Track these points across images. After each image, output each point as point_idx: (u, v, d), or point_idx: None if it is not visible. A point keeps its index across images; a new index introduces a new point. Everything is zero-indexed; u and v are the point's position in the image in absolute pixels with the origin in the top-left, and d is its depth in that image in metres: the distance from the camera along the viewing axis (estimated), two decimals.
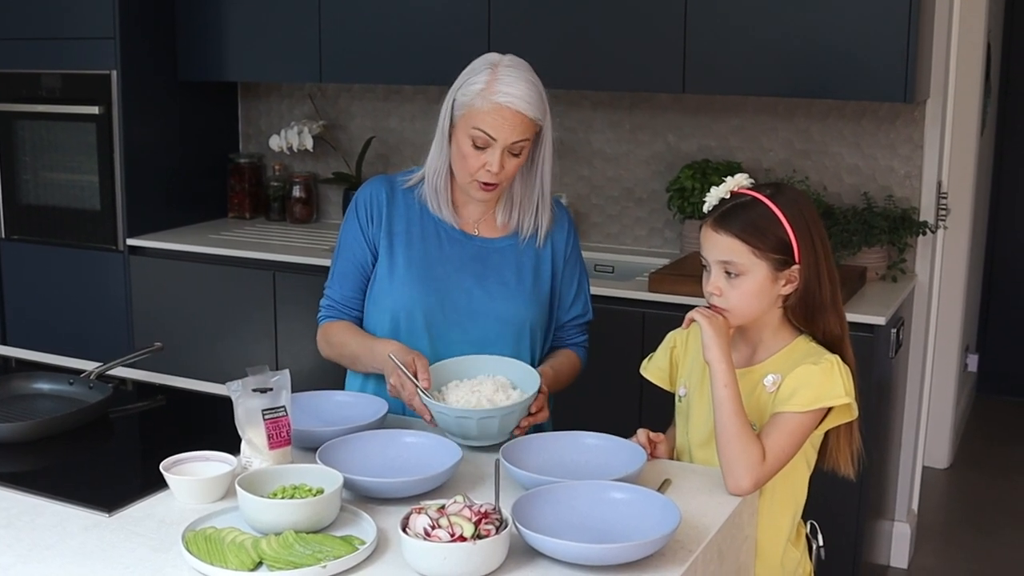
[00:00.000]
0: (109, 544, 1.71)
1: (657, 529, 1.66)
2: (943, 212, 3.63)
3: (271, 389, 1.94)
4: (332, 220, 4.47)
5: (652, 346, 2.22)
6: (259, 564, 1.62)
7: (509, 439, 2.06)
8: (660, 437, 2.09)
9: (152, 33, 4.15)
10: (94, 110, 4.07)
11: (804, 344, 2.00)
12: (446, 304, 2.27)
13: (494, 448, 2.01)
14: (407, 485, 1.83)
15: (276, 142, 4.36)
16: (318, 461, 1.88)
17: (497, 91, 2.15)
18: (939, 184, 3.61)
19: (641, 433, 2.06)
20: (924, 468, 4.00)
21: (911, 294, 3.58)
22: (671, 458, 2.12)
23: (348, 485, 1.81)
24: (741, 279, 1.93)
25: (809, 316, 1.98)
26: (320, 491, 1.76)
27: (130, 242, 4.14)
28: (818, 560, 2.11)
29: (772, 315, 1.99)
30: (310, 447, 2.00)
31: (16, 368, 2.69)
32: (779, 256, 1.92)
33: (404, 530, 1.61)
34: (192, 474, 1.89)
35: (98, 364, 2.49)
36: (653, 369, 2.18)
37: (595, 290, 3.37)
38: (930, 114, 3.56)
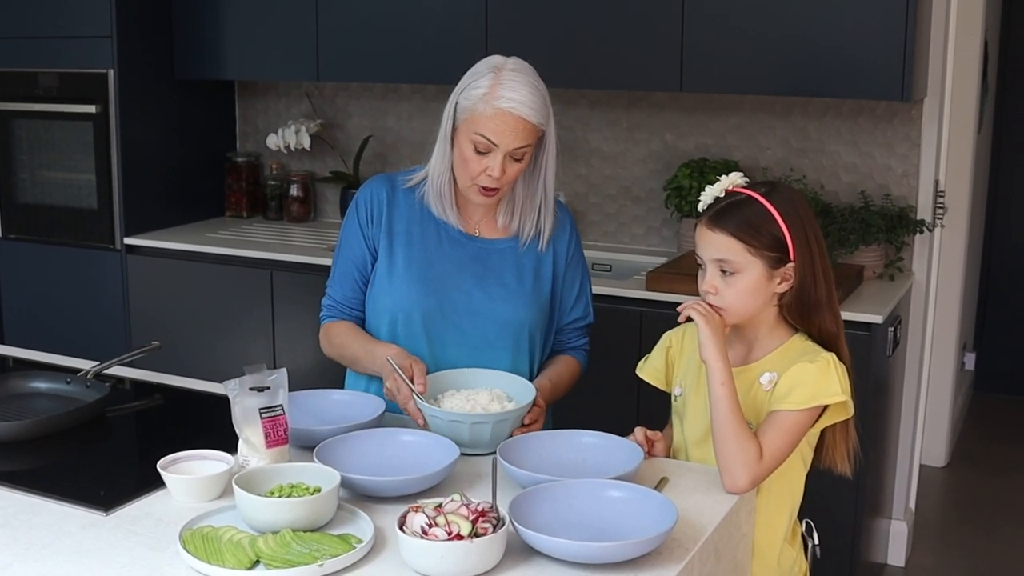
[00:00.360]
0: (106, 543, 1.71)
1: (654, 527, 1.66)
2: (940, 211, 3.63)
3: (268, 388, 1.94)
4: (329, 219, 4.47)
5: (649, 344, 2.22)
6: (256, 563, 1.62)
7: None
8: (657, 435, 2.09)
9: (149, 32, 4.14)
10: (91, 109, 4.07)
11: (800, 342, 2.00)
12: (445, 305, 2.27)
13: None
14: (404, 484, 1.83)
15: (273, 141, 4.36)
16: (315, 460, 1.88)
17: (500, 96, 2.13)
18: (936, 183, 3.61)
19: (638, 431, 2.06)
20: (921, 466, 4.00)
21: (908, 292, 3.58)
22: (668, 456, 2.12)
23: (345, 484, 1.81)
24: (736, 277, 1.94)
25: (805, 314, 1.98)
26: (317, 490, 1.76)
27: (127, 241, 4.13)
28: (814, 559, 2.11)
29: (768, 313, 1.99)
30: (307, 446, 2.00)
31: (13, 367, 2.68)
32: (774, 254, 1.92)
33: (401, 529, 1.61)
34: (189, 473, 1.89)
35: (95, 363, 2.49)
36: (649, 370, 2.18)
37: (592, 289, 3.38)
38: (927, 113, 3.56)
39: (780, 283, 1.95)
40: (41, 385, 2.43)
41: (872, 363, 3.13)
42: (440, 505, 1.64)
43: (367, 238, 2.32)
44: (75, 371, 2.47)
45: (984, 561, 3.91)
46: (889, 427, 3.60)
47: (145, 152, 4.19)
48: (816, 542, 2.10)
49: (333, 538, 1.67)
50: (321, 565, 1.58)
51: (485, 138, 2.14)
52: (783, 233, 1.92)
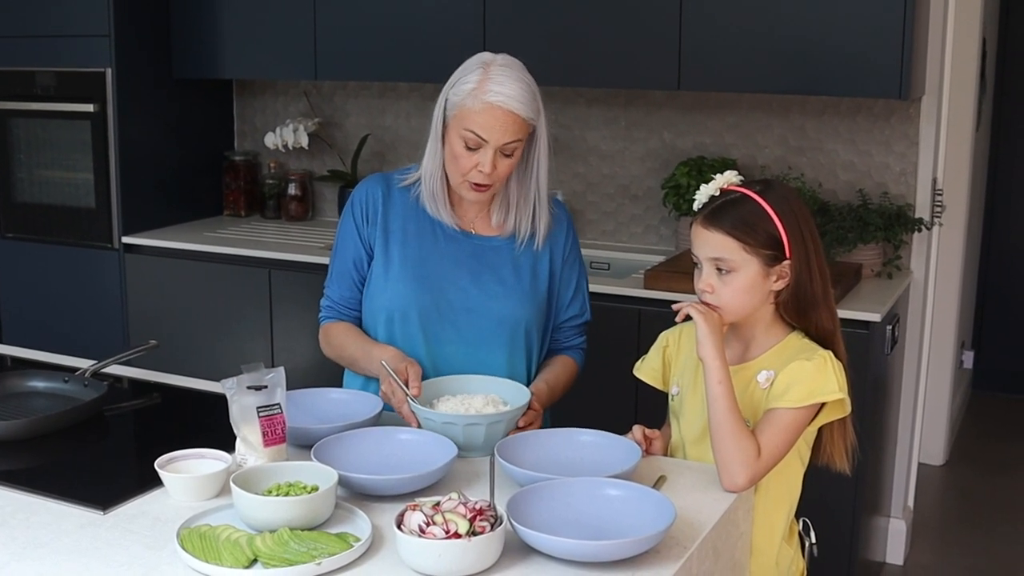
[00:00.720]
0: (104, 542, 1.71)
1: (652, 526, 1.66)
2: (938, 209, 3.63)
3: (266, 387, 1.94)
4: (327, 218, 4.47)
5: (648, 343, 2.22)
6: (254, 561, 1.61)
7: None
8: (655, 433, 2.09)
9: (147, 31, 4.14)
10: (89, 108, 4.06)
11: (797, 340, 2.00)
12: (441, 302, 2.27)
13: None
14: (402, 482, 1.83)
15: (271, 140, 4.36)
16: (313, 458, 1.88)
17: (488, 90, 2.13)
18: (934, 181, 3.61)
19: (636, 430, 2.06)
20: (920, 464, 4.00)
21: (906, 291, 3.58)
22: (666, 455, 2.12)
23: (343, 482, 1.80)
24: (732, 276, 1.94)
25: (801, 311, 1.98)
26: (315, 488, 1.76)
27: (125, 240, 4.13)
28: (811, 558, 2.11)
29: (764, 311, 1.99)
30: (305, 444, 2.00)
31: (11, 366, 2.68)
32: (770, 252, 1.92)
33: (399, 527, 1.61)
34: (187, 472, 1.89)
35: (93, 362, 2.49)
36: (646, 370, 2.18)
37: (590, 287, 3.37)
38: (925, 111, 3.56)
39: (776, 281, 1.95)
40: (39, 384, 2.43)
41: (870, 361, 3.13)
42: (438, 504, 1.64)
43: (363, 237, 2.32)
44: (73, 370, 2.47)
45: (983, 559, 3.91)
46: (887, 425, 3.60)
47: (143, 151, 4.18)
48: (813, 541, 2.10)
49: (331, 537, 1.67)
50: (319, 564, 1.58)
51: (474, 134, 2.14)
52: (778, 231, 1.92)
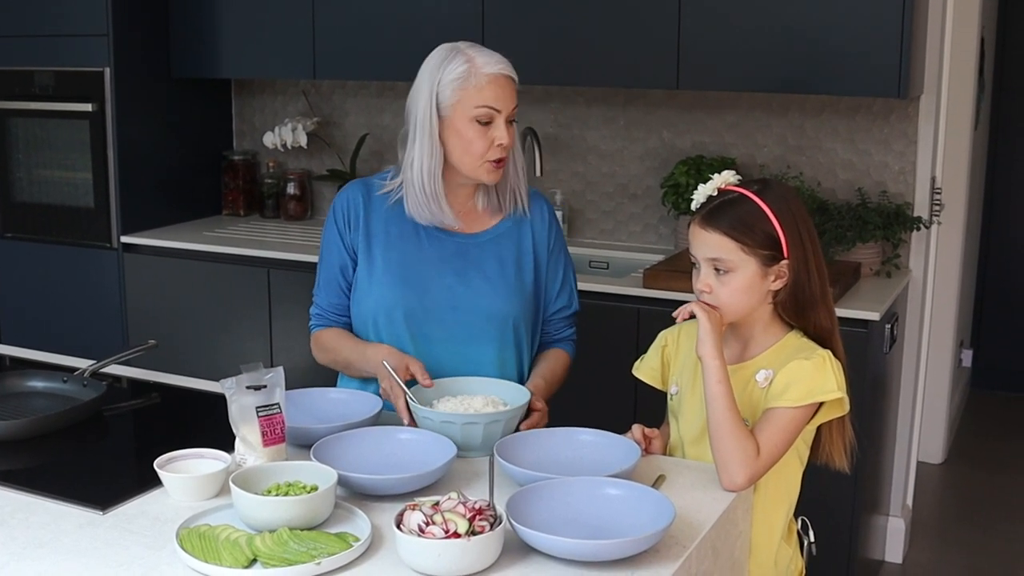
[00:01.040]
0: (103, 542, 1.71)
1: (651, 525, 1.66)
2: (937, 207, 3.63)
3: (265, 386, 1.94)
4: (326, 217, 4.46)
5: (646, 342, 2.22)
6: (253, 561, 1.61)
7: None
8: (655, 433, 2.09)
9: (145, 30, 4.14)
10: (87, 107, 4.06)
11: (795, 339, 2.00)
12: (426, 301, 2.27)
13: None
14: (401, 482, 1.83)
15: (270, 139, 4.36)
16: (312, 458, 1.88)
17: (483, 64, 2.18)
18: (933, 179, 3.61)
19: (636, 429, 2.06)
20: (919, 463, 4.00)
21: (905, 289, 3.58)
22: (665, 454, 2.12)
23: (342, 482, 1.80)
24: (730, 276, 1.94)
25: (800, 311, 1.98)
26: (314, 488, 1.76)
27: (124, 239, 4.13)
28: (809, 556, 2.11)
29: (763, 311, 1.99)
30: (304, 444, 2.00)
31: (10, 366, 2.68)
32: (768, 252, 1.92)
33: (398, 527, 1.61)
34: (186, 471, 1.89)
35: (92, 362, 2.49)
36: (645, 369, 2.18)
37: (589, 286, 3.39)
38: (924, 110, 3.56)
39: (774, 281, 1.95)
40: (38, 384, 2.43)
41: (869, 360, 3.13)
42: (437, 503, 1.64)
43: (346, 244, 2.33)
44: (72, 370, 2.47)
45: (981, 557, 3.91)
46: (886, 424, 3.60)
47: (142, 150, 4.18)
48: (812, 539, 2.10)
49: (330, 536, 1.67)
50: (318, 564, 1.58)
51: (488, 107, 2.17)
52: (776, 231, 1.92)
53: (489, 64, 2.18)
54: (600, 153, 4.01)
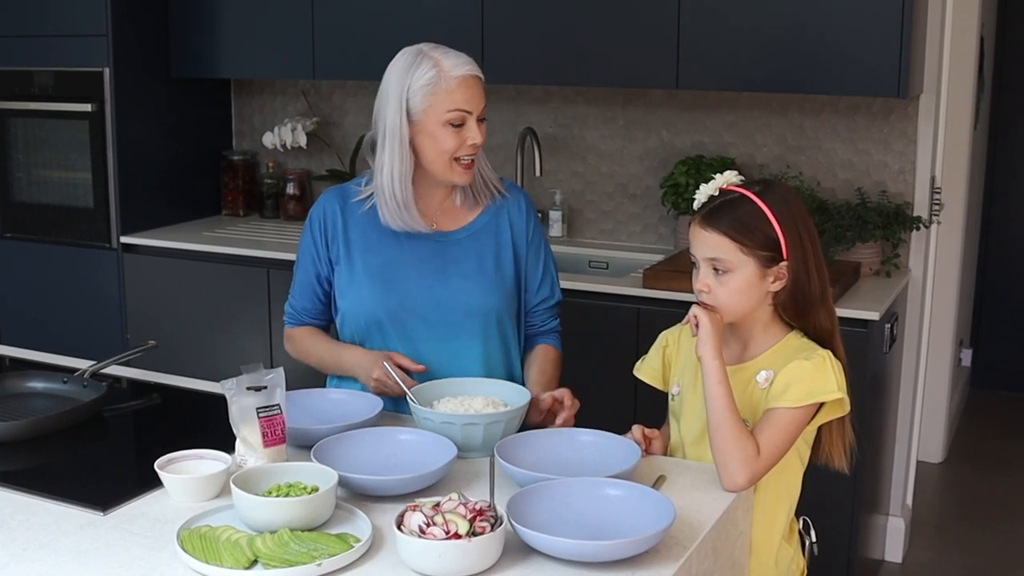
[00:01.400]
0: (104, 543, 1.71)
1: (652, 525, 1.66)
2: (937, 207, 3.63)
3: (265, 387, 1.94)
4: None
5: (646, 342, 2.22)
6: (254, 562, 1.61)
7: None
8: (655, 433, 2.09)
9: (145, 30, 4.14)
10: (87, 107, 4.06)
11: (795, 340, 2.00)
12: (408, 302, 2.29)
13: None
14: (402, 483, 1.83)
15: (270, 139, 4.36)
16: (313, 459, 1.88)
17: (451, 67, 2.20)
18: (932, 179, 3.62)
19: (636, 429, 2.06)
20: (918, 463, 4.00)
21: (905, 289, 3.58)
22: (665, 455, 2.12)
23: (343, 483, 1.80)
24: (729, 276, 1.94)
25: (799, 312, 1.98)
26: (315, 489, 1.76)
27: (124, 240, 4.13)
28: (811, 556, 2.11)
29: (763, 312, 1.99)
30: (305, 445, 2.00)
31: (10, 367, 2.68)
32: (767, 253, 1.92)
33: (399, 528, 1.61)
34: (187, 472, 1.89)
35: (92, 362, 2.49)
36: (646, 369, 2.19)
37: (589, 286, 3.39)
38: (923, 109, 3.56)
39: (773, 282, 1.95)
40: (38, 385, 2.43)
41: (869, 360, 3.13)
42: (438, 504, 1.64)
43: (321, 255, 2.36)
44: (72, 371, 2.47)
45: (981, 557, 3.91)
46: (886, 423, 3.60)
47: (141, 151, 4.18)
48: (814, 539, 2.10)
49: (331, 537, 1.67)
50: (319, 564, 1.58)
51: (460, 110, 2.19)
52: (776, 232, 1.92)
53: (457, 67, 2.20)
54: (600, 153, 4.01)
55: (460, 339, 2.30)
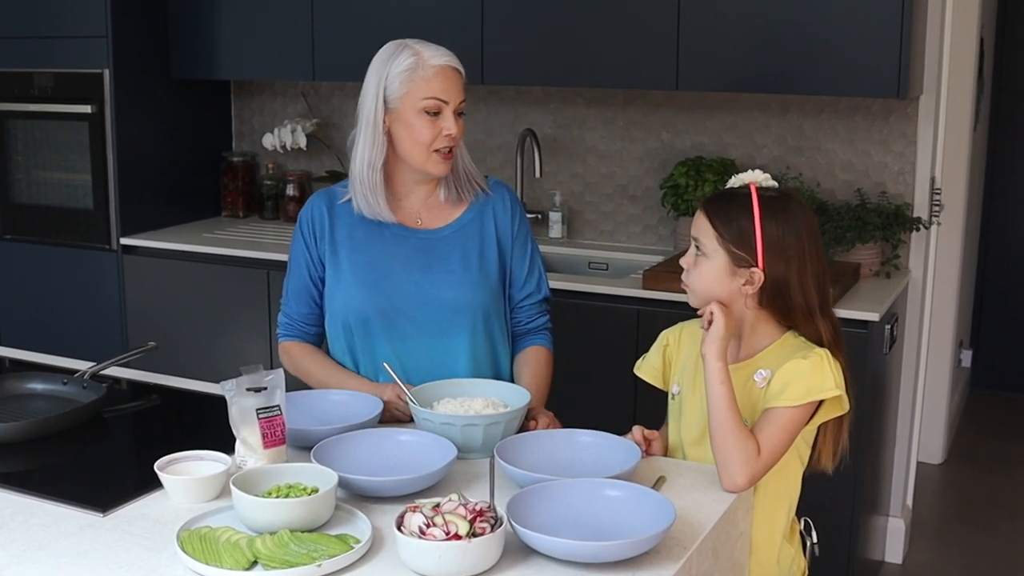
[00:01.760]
0: (104, 544, 1.71)
1: (652, 526, 1.66)
2: (936, 208, 3.64)
3: (265, 388, 1.94)
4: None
5: (646, 343, 2.22)
6: (254, 563, 1.61)
7: None
8: (655, 434, 2.09)
9: (144, 32, 4.14)
10: (87, 109, 4.06)
11: (793, 339, 2.00)
12: (395, 300, 2.30)
13: None
14: (402, 484, 1.83)
15: (269, 140, 4.36)
16: (313, 460, 1.88)
17: (431, 57, 2.23)
18: (932, 180, 3.62)
19: (636, 430, 2.06)
20: (918, 463, 4.00)
21: (905, 290, 3.58)
22: (665, 455, 2.12)
23: (343, 484, 1.80)
24: (703, 260, 1.97)
25: (791, 321, 1.98)
26: (315, 490, 1.76)
27: (123, 241, 4.13)
28: (812, 557, 2.11)
29: (747, 312, 1.99)
30: (305, 446, 2.00)
31: (10, 368, 2.68)
32: (739, 252, 1.92)
33: (399, 529, 1.61)
34: (187, 473, 1.89)
35: (92, 364, 2.49)
36: (647, 368, 2.19)
37: (589, 287, 3.40)
38: (923, 110, 3.56)
39: (744, 284, 1.94)
40: (37, 386, 2.43)
41: (869, 361, 3.13)
42: (438, 505, 1.64)
43: (312, 257, 2.37)
44: (71, 372, 2.47)
45: (981, 558, 3.91)
46: (886, 424, 3.60)
47: (141, 152, 4.18)
48: (815, 540, 2.10)
49: (331, 538, 1.67)
50: (319, 565, 1.58)
51: (435, 98, 2.21)
52: (755, 237, 1.92)
53: (436, 56, 2.23)
54: (599, 154, 4.01)
55: (448, 336, 2.31)
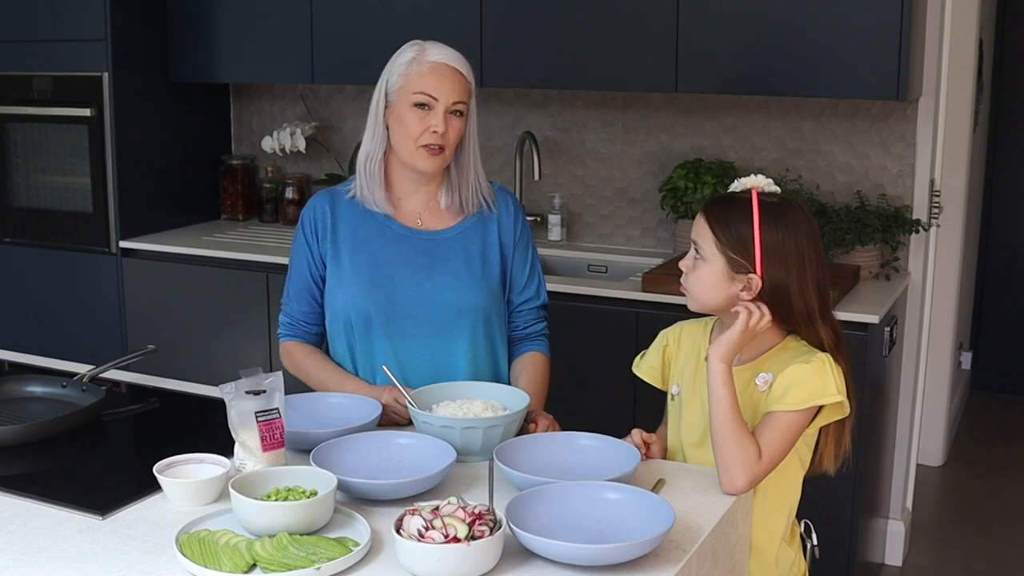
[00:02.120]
0: (103, 547, 1.71)
1: (651, 529, 1.66)
2: (936, 210, 3.64)
3: (264, 391, 1.94)
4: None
5: (646, 345, 2.22)
6: (253, 566, 1.61)
7: None
8: (653, 438, 2.09)
9: (143, 35, 4.14)
10: (86, 112, 4.06)
11: (794, 342, 2.00)
12: (396, 299, 2.30)
13: None
14: (401, 487, 1.83)
15: (268, 143, 4.36)
16: (312, 463, 1.88)
17: (430, 53, 2.26)
18: (932, 182, 3.62)
19: (635, 433, 2.06)
20: (918, 466, 4.00)
21: (904, 292, 3.58)
22: (664, 458, 2.12)
23: (342, 487, 1.80)
24: (701, 264, 1.97)
25: (792, 326, 1.98)
26: (314, 493, 1.76)
27: (123, 244, 4.13)
28: (812, 559, 2.11)
29: None
30: (304, 449, 2.00)
31: (9, 371, 2.68)
32: (737, 257, 1.92)
33: (398, 531, 1.61)
34: (186, 476, 1.89)
35: (91, 367, 2.49)
36: (645, 367, 2.18)
37: (588, 290, 3.39)
38: (923, 112, 3.56)
39: (742, 290, 1.94)
40: (37, 389, 2.43)
41: (868, 363, 3.13)
42: (437, 508, 1.64)
43: (314, 256, 2.38)
44: (71, 375, 2.47)
45: (981, 560, 3.91)
46: (886, 427, 3.60)
47: (140, 155, 4.18)
48: (815, 542, 2.10)
49: (330, 541, 1.67)
50: (318, 568, 1.58)
51: (425, 94, 2.23)
52: (754, 244, 1.91)
53: (436, 54, 2.25)
54: (598, 157, 4.01)
55: (448, 337, 2.31)
